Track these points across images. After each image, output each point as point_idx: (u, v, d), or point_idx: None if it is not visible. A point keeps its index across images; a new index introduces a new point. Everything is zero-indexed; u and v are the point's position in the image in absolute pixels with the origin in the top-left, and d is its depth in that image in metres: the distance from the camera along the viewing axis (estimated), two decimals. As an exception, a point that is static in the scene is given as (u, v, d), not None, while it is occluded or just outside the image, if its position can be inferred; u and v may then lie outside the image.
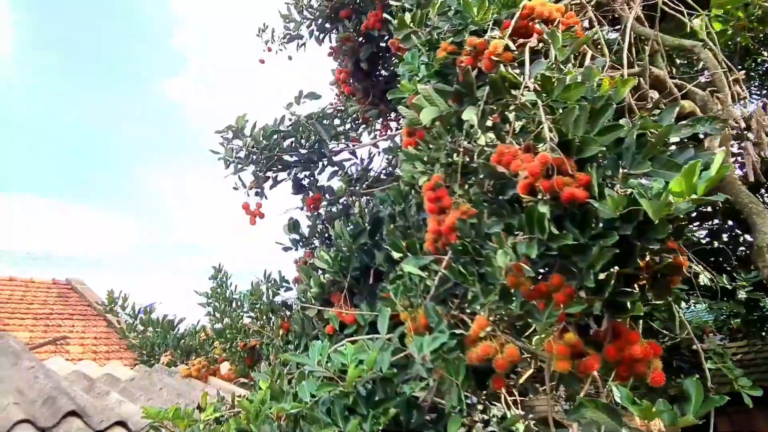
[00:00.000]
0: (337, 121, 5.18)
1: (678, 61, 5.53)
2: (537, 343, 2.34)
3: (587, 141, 2.07)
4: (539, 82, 2.26)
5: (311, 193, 4.71)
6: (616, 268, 1.98)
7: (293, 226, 4.75)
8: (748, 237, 7.95)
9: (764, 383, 8.20)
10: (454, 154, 2.79)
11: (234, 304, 5.64)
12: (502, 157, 2.32)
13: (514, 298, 2.08)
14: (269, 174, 4.59)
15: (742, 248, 7.61)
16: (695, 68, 5.40)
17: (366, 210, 3.32)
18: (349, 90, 5.23)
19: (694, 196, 1.74)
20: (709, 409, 1.74)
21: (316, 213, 4.73)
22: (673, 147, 2.22)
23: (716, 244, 7.75)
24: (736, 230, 7.60)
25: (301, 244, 4.82)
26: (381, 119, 5.56)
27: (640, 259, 1.95)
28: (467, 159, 2.75)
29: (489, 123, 2.66)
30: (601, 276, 2.00)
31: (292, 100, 4.50)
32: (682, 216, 2.05)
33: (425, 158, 2.81)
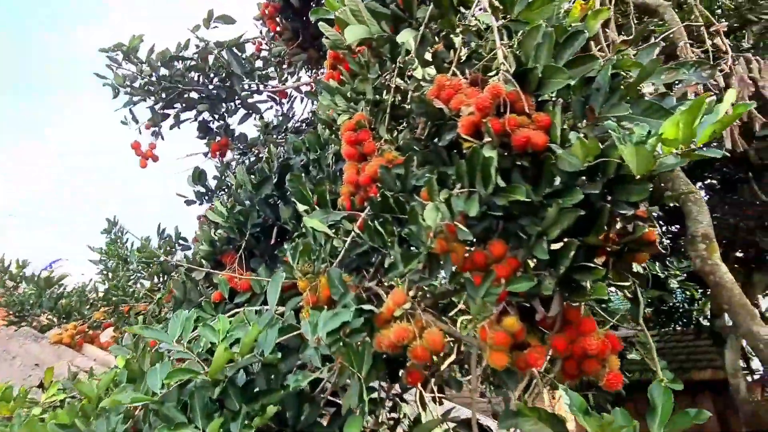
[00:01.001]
0: (259, 63, 4.53)
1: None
2: (463, 327, 1.88)
3: (551, 72, 1.61)
4: (496, -4, 1.77)
5: (219, 138, 4.07)
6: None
7: (198, 176, 4.10)
8: (673, 228, 7.97)
9: (671, 372, 8.39)
10: (384, 92, 2.27)
11: (129, 263, 4.95)
12: (442, 90, 1.82)
13: (442, 269, 1.61)
14: (169, 111, 3.92)
15: (667, 240, 7.59)
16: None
17: (276, 156, 2.77)
18: (276, 28, 4.58)
19: (691, 147, 1.31)
20: (683, 428, 1.34)
21: (225, 162, 4.11)
22: (648, 98, 1.80)
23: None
24: (659, 222, 7.56)
25: (206, 197, 4.18)
26: (309, 68, 4.94)
27: (607, 227, 1.52)
28: (399, 98, 2.24)
29: (429, 56, 2.16)
30: (556, 245, 1.56)
31: (201, 23, 3.78)
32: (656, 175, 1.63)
33: (348, 94, 2.27)
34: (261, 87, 4.17)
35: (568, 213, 1.44)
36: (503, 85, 1.62)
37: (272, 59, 4.59)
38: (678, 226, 7.95)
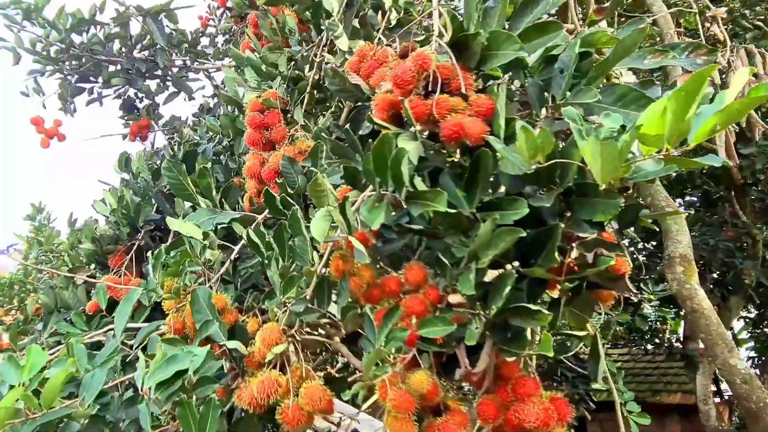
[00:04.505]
0: (205, 40, 4.08)
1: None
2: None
3: (499, 40, 1.19)
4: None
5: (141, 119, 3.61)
6: (517, 264, 1.13)
7: (125, 162, 3.62)
8: (649, 245, 7.63)
9: (640, 393, 8.05)
10: (306, 67, 1.84)
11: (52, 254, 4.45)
12: (363, 62, 1.40)
13: (335, 297, 1.18)
14: (85, 85, 3.44)
15: (642, 257, 7.26)
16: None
17: (185, 141, 2.34)
18: (225, 2, 4.13)
19: (676, 150, 0.91)
20: None
21: (153, 147, 3.65)
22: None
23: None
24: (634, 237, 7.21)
25: (135, 186, 3.70)
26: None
27: (559, 254, 1.10)
28: (322, 75, 1.82)
29: (357, 23, 1.74)
30: (490, 274, 1.15)
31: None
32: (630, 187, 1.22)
33: (263, 67, 1.84)
34: (195, 63, 3.72)
35: (506, 233, 1.03)
36: (434, 56, 1.21)
37: (219, 36, 4.15)
38: (654, 243, 7.62)
